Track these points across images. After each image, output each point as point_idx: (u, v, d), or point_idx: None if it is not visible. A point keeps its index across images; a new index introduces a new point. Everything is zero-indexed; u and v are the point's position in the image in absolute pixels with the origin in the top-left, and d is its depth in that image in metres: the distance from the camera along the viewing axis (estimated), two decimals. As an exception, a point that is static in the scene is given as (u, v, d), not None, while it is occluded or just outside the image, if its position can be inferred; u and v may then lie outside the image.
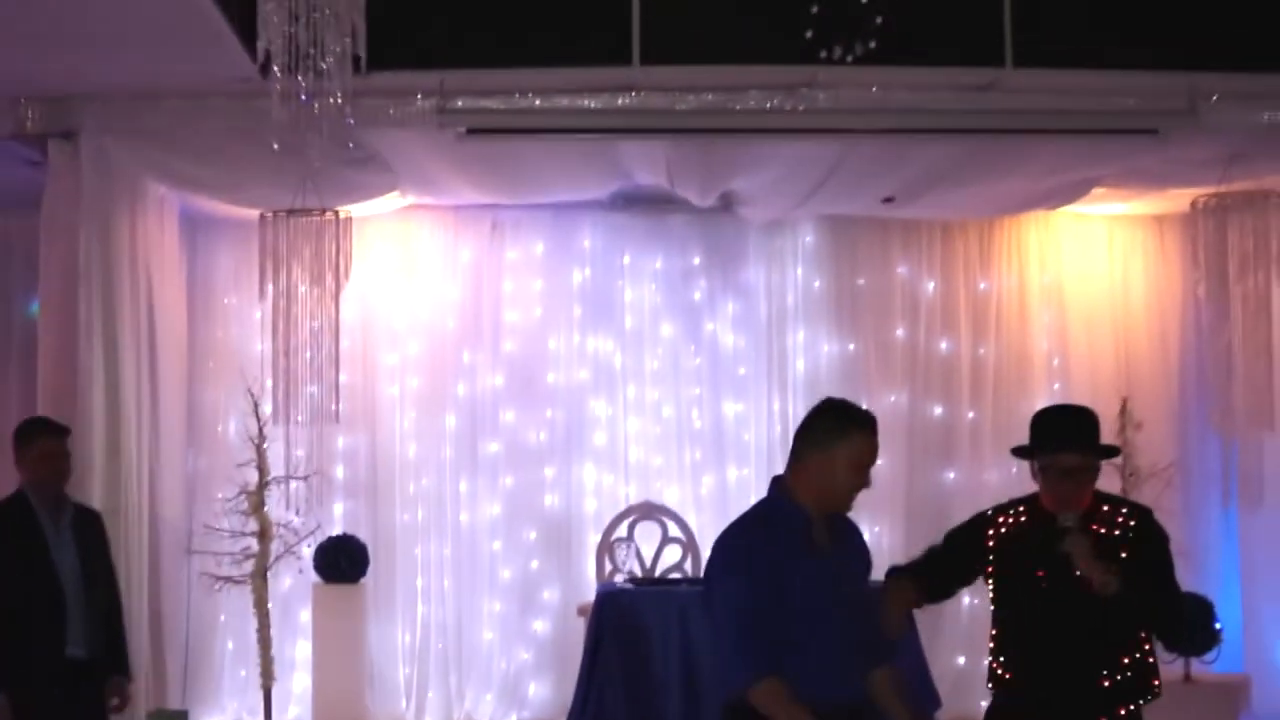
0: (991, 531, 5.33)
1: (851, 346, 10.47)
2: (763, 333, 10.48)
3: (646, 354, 10.44)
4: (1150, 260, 10.49)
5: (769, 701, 4.66)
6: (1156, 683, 5.24)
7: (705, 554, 9.44)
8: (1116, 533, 5.19)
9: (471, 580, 10.25)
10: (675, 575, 9.58)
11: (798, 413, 10.35)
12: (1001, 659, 5.32)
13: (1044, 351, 10.49)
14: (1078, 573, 5.02)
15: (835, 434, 4.83)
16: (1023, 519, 5.31)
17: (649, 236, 10.46)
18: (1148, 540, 5.19)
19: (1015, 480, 9.81)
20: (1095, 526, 5.18)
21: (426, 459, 10.25)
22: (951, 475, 10.42)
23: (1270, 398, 8.94)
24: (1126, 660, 5.18)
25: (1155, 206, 10.11)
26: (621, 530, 9.85)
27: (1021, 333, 10.51)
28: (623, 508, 10.01)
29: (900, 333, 10.51)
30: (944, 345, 10.51)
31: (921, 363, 10.50)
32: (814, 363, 10.45)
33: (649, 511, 9.93)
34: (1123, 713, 5.18)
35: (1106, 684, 5.15)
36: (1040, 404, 10.10)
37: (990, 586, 5.37)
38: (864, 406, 9.71)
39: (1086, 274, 10.47)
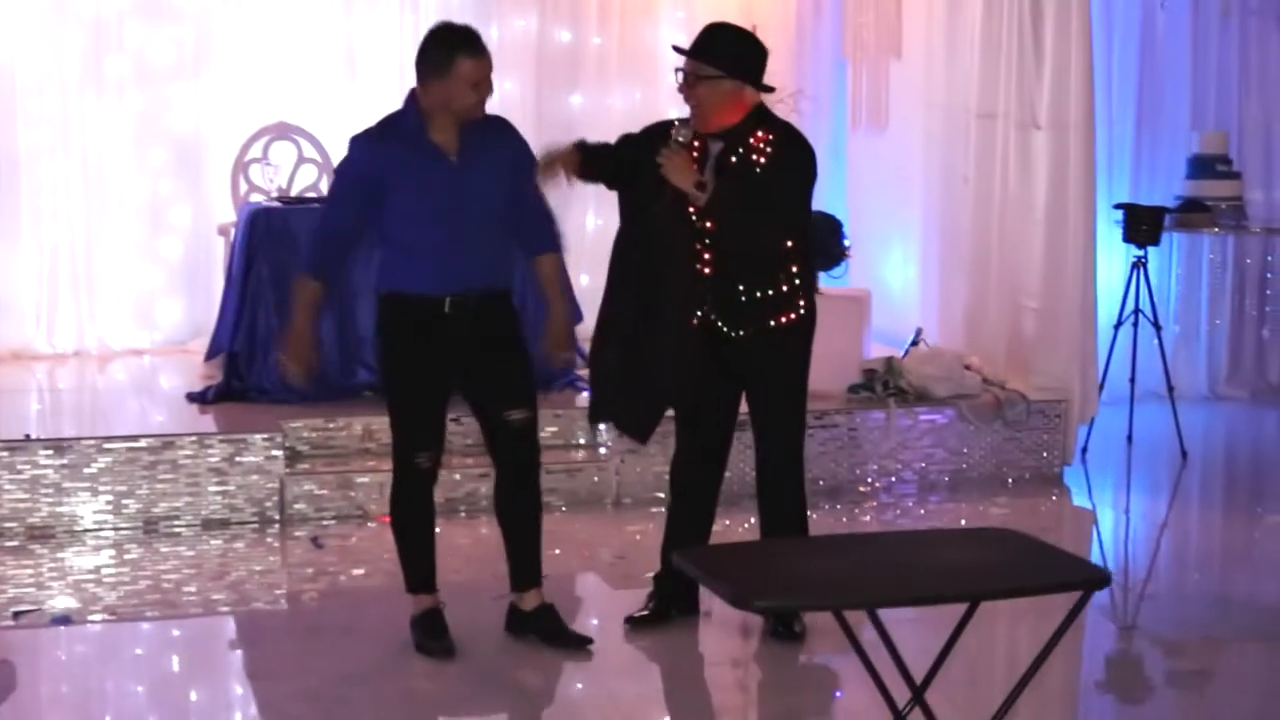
0: (656, 134, 5.63)
1: (482, -31, 10.45)
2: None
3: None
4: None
5: (297, 292, 5.70)
6: (802, 301, 5.65)
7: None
8: (754, 153, 5.48)
9: (100, 202, 9.99)
10: (311, 195, 9.57)
11: (423, 31, 10.32)
12: None
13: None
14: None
15: (447, 62, 5.37)
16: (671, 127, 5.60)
17: None
18: (781, 160, 5.49)
19: (640, 106, 10.25)
20: (737, 145, 5.48)
21: (48, 77, 9.85)
22: (578, 100, 10.63)
23: (899, 24, 9.40)
24: (769, 275, 5.57)
25: None
26: (256, 150, 9.77)
27: (648, -41, 10.67)
28: (255, 128, 9.90)
29: (530, -44, 10.54)
30: (572, -30, 10.59)
31: (550, -14, 10.57)
32: (445, -16, 10.41)
33: (283, 131, 9.85)
34: (770, 324, 5.61)
35: (744, 298, 5.56)
36: (664, 31, 10.49)
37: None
38: (496, 29, 9.92)
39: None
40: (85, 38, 9.88)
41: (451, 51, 5.39)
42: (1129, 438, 9.22)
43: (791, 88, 9.95)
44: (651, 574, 6.11)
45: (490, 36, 9.97)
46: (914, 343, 8.88)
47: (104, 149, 9.98)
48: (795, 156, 5.51)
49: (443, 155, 5.48)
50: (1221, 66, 10.60)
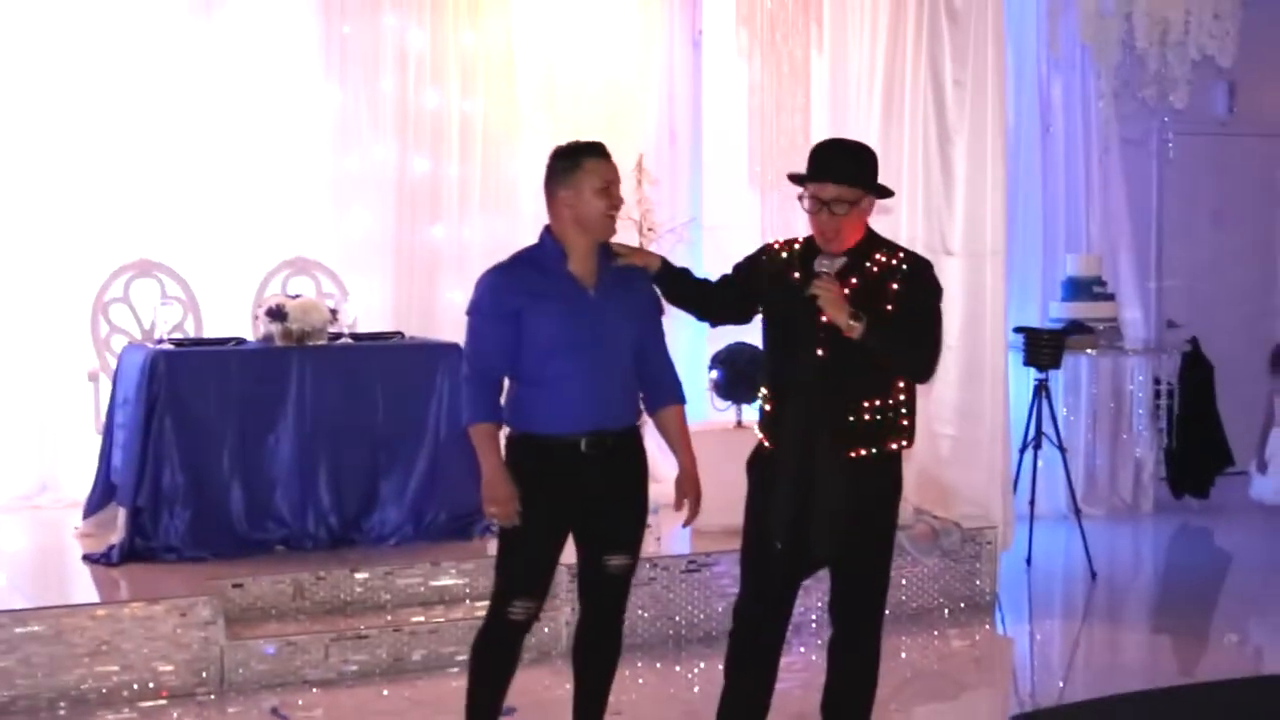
0: (765, 256, 5.40)
1: (339, 98, 10.05)
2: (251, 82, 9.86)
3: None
4: (647, 17, 10.60)
5: (477, 442, 5.24)
6: (906, 423, 5.39)
7: (207, 312, 9.03)
8: (887, 277, 5.24)
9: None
10: (178, 335, 8.93)
11: (286, 161, 9.86)
12: (766, 386, 5.42)
13: (532, 109, 10.39)
14: (824, 318, 5.15)
15: (573, 168, 5.23)
16: (795, 247, 5.37)
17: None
18: (916, 290, 5.30)
19: (502, 238, 9.79)
20: (868, 265, 5.26)
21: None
22: (437, 232, 10.28)
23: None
24: (878, 401, 5.33)
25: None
26: (116, 289, 9.13)
27: (508, 89, 10.37)
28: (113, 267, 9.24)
29: (388, 85, 10.16)
30: (432, 99, 10.24)
31: (410, 117, 10.20)
32: (302, 114, 9.96)
33: (145, 269, 9.23)
34: (873, 451, 5.30)
35: (852, 420, 5.28)
36: (527, 161, 10.13)
37: (762, 311, 5.47)
38: (355, 159, 9.54)
39: (575, 33, 10.44)
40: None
41: (578, 155, 5.24)
42: (1028, 560, 9.22)
43: (688, 215, 9.86)
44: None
45: (349, 168, 9.74)
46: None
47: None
48: (928, 278, 5.32)
49: (582, 286, 5.24)
50: (1069, 192, 10.88)
